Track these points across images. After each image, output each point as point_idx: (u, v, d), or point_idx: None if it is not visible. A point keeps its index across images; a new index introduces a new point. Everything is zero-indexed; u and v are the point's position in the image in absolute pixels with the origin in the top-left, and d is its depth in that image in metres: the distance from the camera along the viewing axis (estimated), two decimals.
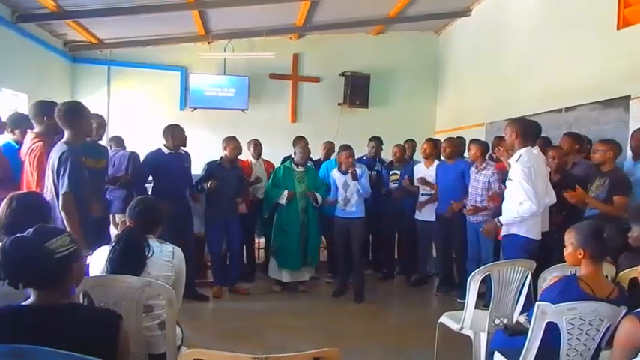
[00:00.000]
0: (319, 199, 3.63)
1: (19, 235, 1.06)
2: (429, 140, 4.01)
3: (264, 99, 6.22)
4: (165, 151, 3.27)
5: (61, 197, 2.08)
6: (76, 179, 2.10)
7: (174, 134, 3.23)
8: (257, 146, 4.00)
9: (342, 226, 3.51)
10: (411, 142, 4.39)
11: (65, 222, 2.06)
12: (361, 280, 3.54)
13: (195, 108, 6.02)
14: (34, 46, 4.82)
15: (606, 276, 1.75)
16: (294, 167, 3.65)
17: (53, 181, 2.12)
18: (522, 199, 2.38)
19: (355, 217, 3.47)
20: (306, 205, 3.62)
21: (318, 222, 3.70)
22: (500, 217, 2.54)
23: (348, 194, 3.46)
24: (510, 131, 2.51)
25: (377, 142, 4.32)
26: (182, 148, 3.31)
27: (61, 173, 2.08)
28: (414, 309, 3.58)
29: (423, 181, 3.73)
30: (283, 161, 3.93)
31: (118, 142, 3.72)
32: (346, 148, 3.54)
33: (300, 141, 3.79)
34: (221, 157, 3.54)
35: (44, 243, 1.04)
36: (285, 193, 3.52)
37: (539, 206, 2.37)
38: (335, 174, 3.54)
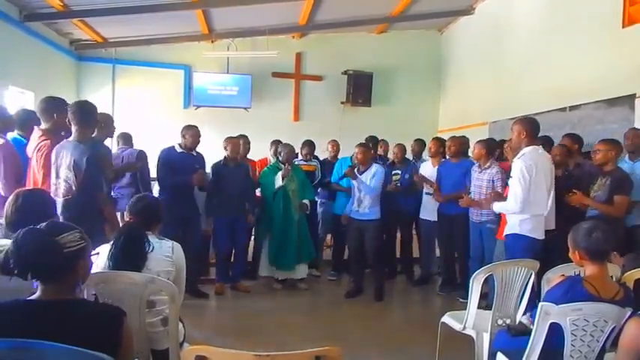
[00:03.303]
0: (308, 206, 3.68)
1: (32, 227, 1.07)
2: (435, 139, 3.98)
3: (266, 97, 6.22)
4: (178, 149, 3.28)
5: (99, 196, 2.19)
6: (101, 179, 2.21)
7: (186, 134, 3.25)
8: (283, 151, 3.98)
9: (355, 228, 3.46)
10: (419, 142, 4.31)
11: (109, 219, 2.22)
12: (380, 280, 3.50)
13: (198, 106, 6.03)
14: (41, 45, 4.84)
15: (611, 277, 1.73)
16: (282, 166, 3.65)
17: (79, 180, 2.13)
18: (509, 196, 2.44)
19: (368, 219, 3.41)
20: (299, 202, 3.63)
21: (307, 217, 3.75)
22: (494, 204, 2.65)
23: (362, 195, 3.41)
24: (519, 129, 2.50)
25: (373, 141, 4.30)
26: (195, 148, 3.31)
27: (94, 174, 2.15)
28: (416, 308, 3.57)
29: (422, 178, 3.70)
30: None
31: (126, 139, 3.63)
32: (364, 144, 3.55)
33: (287, 146, 3.77)
34: (225, 157, 3.55)
35: (55, 237, 1.05)
36: (279, 173, 3.51)
37: (522, 209, 2.41)
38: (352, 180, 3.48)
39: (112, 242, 1.68)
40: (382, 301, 3.45)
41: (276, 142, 4.07)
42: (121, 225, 2.50)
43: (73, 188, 2.15)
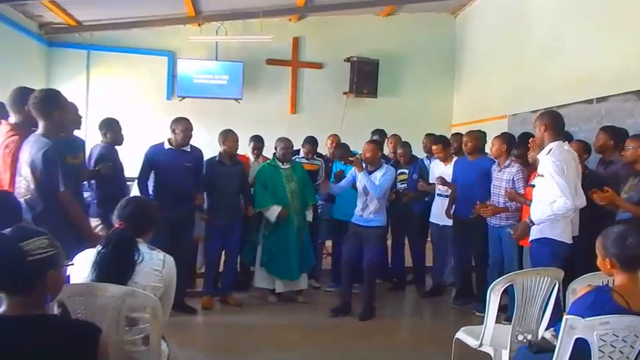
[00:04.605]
0: (310, 215, 3.71)
1: None
2: (435, 138, 3.97)
3: (260, 87, 6.22)
4: (167, 146, 3.27)
5: (60, 196, 2.15)
6: (66, 177, 2.17)
7: (176, 129, 3.24)
8: (257, 148, 4.01)
9: (355, 234, 3.42)
10: (431, 137, 4.28)
11: (75, 219, 2.17)
12: (371, 296, 3.41)
13: (183, 97, 6.04)
14: (6, 29, 4.83)
15: None
16: (280, 164, 3.64)
17: (36, 177, 2.13)
18: (555, 194, 2.37)
19: (372, 226, 3.35)
20: (300, 205, 3.63)
21: (309, 223, 3.77)
22: (531, 216, 2.52)
23: (368, 199, 3.36)
24: (540, 124, 2.54)
25: (380, 135, 4.30)
26: (187, 144, 3.29)
27: (52, 171, 2.11)
28: (427, 323, 3.59)
29: (443, 181, 3.69)
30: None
31: (109, 125, 3.21)
32: (374, 141, 3.54)
33: (283, 141, 3.74)
34: (220, 153, 3.55)
35: (19, 243, 1.05)
36: (277, 210, 3.47)
37: (574, 202, 2.36)
38: (358, 173, 3.41)
39: (97, 250, 1.67)
40: (383, 316, 3.41)
41: (255, 138, 4.03)
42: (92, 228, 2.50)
43: (31, 187, 2.14)
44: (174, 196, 3.17)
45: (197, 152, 3.40)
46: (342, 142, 4.13)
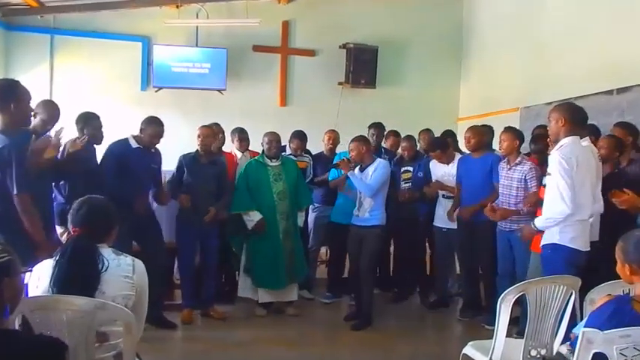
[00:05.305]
0: (301, 219, 3.74)
1: None
2: (435, 142, 4.00)
3: (246, 77, 6.22)
4: (134, 144, 3.27)
5: (16, 199, 2.13)
6: (27, 177, 2.16)
7: (145, 130, 3.26)
8: (242, 140, 4.03)
9: (356, 236, 3.48)
10: (428, 132, 4.39)
11: (27, 226, 2.16)
12: (367, 304, 3.49)
13: (159, 88, 6.01)
14: None
15: None
16: (268, 161, 3.64)
17: None
18: (555, 197, 2.42)
19: (370, 226, 3.42)
20: (289, 208, 3.62)
21: (299, 228, 3.78)
22: (535, 220, 2.58)
23: (362, 197, 3.44)
24: (557, 116, 2.53)
25: (378, 129, 4.32)
26: (152, 148, 3.32)
27: (9, 171, 2.10)
28: (431, 338, 3.61)
29: (440, 186, 3.74)
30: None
31: (88, 121, 3.17)
32: (357, 138, 3.58)
33: (268, 134, 3.73)
34: (196, 150, 3.56)
35: None
36: (257, 217, 3.50)
37: (574, 209, 2.39)
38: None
39: (54, 261, 1.64)
40: (383, 330, 3.43)
41: (238, 130, 4.06)
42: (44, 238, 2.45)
43: None
44: (137, 194, 3.19)
45: (159, 153, 3.44)
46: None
